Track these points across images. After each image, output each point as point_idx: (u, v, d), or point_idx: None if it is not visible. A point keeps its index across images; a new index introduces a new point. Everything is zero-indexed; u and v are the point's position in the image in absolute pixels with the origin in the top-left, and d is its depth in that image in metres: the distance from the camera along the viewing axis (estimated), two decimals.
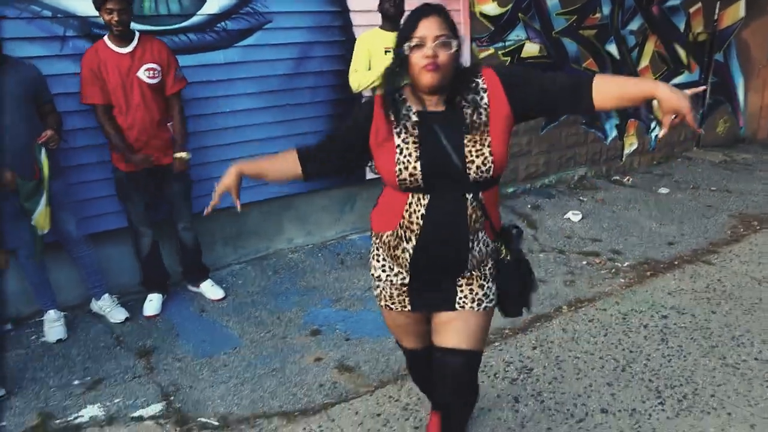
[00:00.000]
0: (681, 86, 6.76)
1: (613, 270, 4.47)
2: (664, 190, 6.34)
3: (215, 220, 4.40)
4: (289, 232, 4.80)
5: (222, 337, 3.65)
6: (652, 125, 7.20)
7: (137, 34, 3.56)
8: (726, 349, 3.37)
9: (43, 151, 3.28)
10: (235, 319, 3.84)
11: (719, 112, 8.00)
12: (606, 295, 4.08)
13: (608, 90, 1.86)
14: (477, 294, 2.08)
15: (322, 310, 3.93)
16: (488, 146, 1.90)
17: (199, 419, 2.92)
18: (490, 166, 1.90)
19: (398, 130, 1.93)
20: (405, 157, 1.90)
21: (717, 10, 7.36)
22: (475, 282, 2.08)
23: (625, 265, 4.56)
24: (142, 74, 3.54)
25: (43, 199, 3.32)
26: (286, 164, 2.08)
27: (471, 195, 1.93)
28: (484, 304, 2.10)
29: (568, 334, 3.58)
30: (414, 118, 1.93)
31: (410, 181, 1.91)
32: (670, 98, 1.72)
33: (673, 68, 7.19)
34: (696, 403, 2.93)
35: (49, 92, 3.43)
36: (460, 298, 2.08)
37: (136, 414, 2.97)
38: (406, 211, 1.97)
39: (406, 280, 2.09)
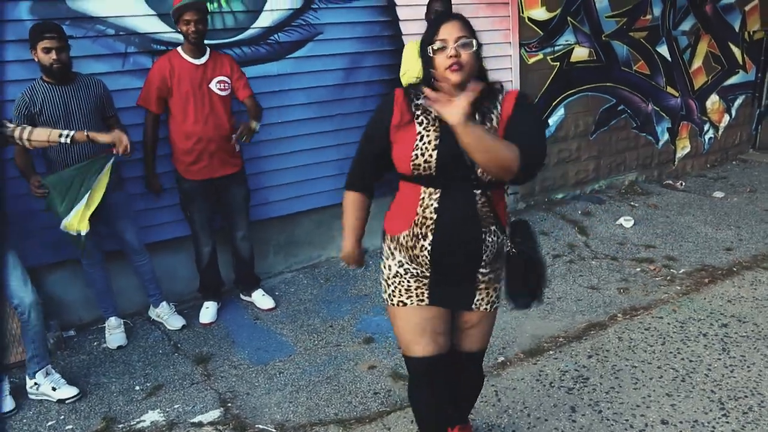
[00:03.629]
0: (736, 87, 6.62)
1: (669, 277, 4.37)
2: (719, 194, 6.18)
3: (267, 229, 4.48)
4: (340, 240, 4.81)
5: (276, 344, 3.71)
6: (706, 127, 7.03)
7: (208, 49, 3.69)
8: None
9: (112, 161, 3.36)
10: (288, 327, 3.90)
11: None
12: (662, 302, 4.00)
13: None
14: (491, 296, 2.23)
15: (374, 318, 3.95)
16: None
17: (257, 426, 2.97)
18: None
19: (419, 120, 2.03)
20: (424, 144, 2.00)
21: None
22: (491, 285, 2.21)
23: (681, 271, 4.46)
24: (214, 86, 3.67)
25: (84, 201, 3.36)
26: (361, 208, 2.29)
27: (479, 191, 2.04)
28: (495, 305, 2.26)
29: (624, 343, 3.52)
30: (434, 113, 1.99)
31: (424, 167, 2.00)
32: None
33: (728, 68, 7.00)
34: (763, 416, 2.85)
35: (114, 106, 3.57)
36: (478, 300, 2.19)
37: (195, 420, 3.04)
38: (420, 206, 2.05)
39: (427, 274, 2.14)
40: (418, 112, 2.04)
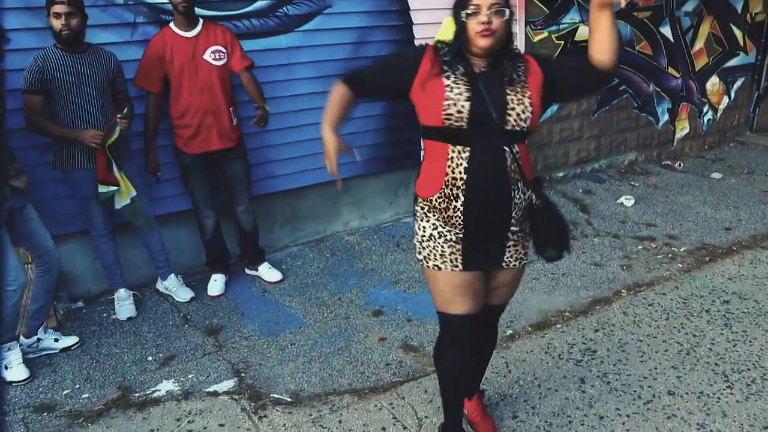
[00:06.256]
0: (736, 69, 6.59)
1: (670, 255, 4.44)
2: (717, 175, 6.24)
3: (273, 203, 4.49)
4: (345, 214, 4.87)
5: (286, 316, 3.74)
6: (705, 109, 7.07)
7: (201, 21, 3.65)
8: None
9: (117, 129, 3.36)
10: (297, 300, 3.93)
11: None
12: (664, 279, 4.06)
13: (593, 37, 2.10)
14: (520, 254, 2.31)
15: (382, 291, 3.99)
16: (528, 98, 2.07)
17: (272, 395, 3.01)
18: (528, 116, 2.07)
19: (447, 74, 2.07)
20: (455, 94, 2.04)
21: None
22: (519, 243, 2.28)
23: (682, 250, 4.52)
24: (208, 56, 3.63)
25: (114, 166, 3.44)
26: (347, 103, 2.22)
27: (508, 147, 2.09)
28: (524, 261, 2.35)
29: (629, 318, 3.58)
30: (462, 69, 2.07)
31: (456, 118, 2.03)
32: None
33: (729, 50, 7.03)
34: (766, 388, 2.93)
35: (125, 81, 3.55)
36: (508, 257, 2.28)
37: (210, 389, 3.08)
38: (449, 166, 2.09)
39: (461, 236, 2.18)
40: (446, 68, 2.08)
